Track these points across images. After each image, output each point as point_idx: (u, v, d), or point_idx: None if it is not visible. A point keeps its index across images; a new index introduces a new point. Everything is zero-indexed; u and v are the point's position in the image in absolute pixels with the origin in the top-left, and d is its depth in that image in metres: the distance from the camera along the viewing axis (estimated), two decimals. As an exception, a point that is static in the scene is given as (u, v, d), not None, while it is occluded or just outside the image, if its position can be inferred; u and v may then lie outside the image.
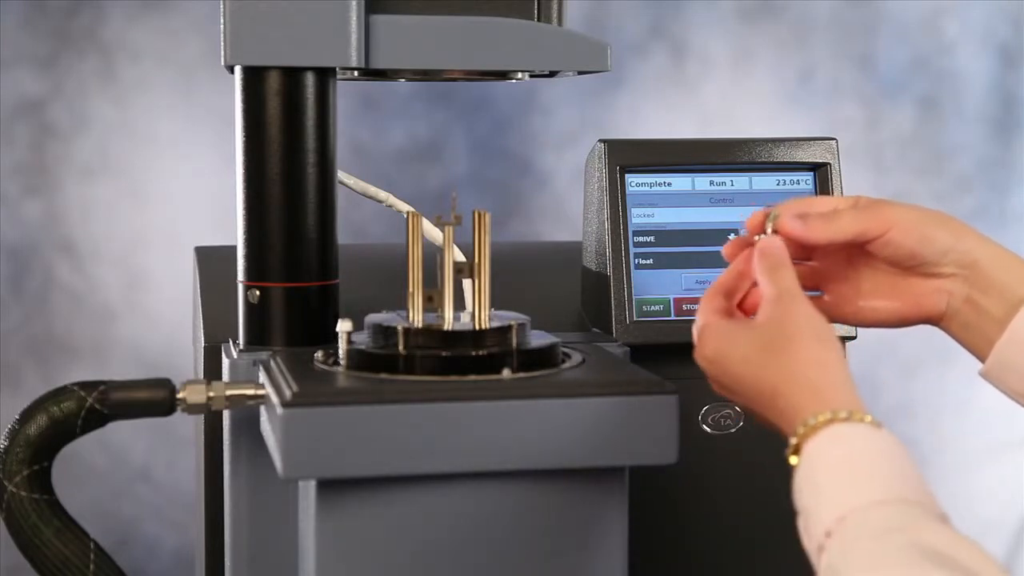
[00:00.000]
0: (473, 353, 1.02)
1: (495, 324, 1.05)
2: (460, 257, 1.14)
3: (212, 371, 1.22)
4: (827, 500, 0.81)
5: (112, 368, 2.45)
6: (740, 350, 0.93)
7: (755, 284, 0.98)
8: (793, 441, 0.86)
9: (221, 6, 1.11)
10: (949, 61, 2.72)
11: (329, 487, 0.98)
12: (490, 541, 1.01)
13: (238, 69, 1.14)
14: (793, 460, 0.86)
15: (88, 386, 1.10)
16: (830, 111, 2.69)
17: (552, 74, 1.23)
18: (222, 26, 1.12)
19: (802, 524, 0.83)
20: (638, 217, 1.25)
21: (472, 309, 1.06)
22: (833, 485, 0.82)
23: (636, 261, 1.24)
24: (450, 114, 2.58)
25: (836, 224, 0.98)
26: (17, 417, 1.10)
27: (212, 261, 1.34)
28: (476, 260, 1.06)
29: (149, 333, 2.48)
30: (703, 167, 1.27)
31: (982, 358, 1.00)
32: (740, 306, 1.00)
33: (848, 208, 0.99)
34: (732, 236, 1.26)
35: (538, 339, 1.07)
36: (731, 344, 0.94)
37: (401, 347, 1.03)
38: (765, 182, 1.28)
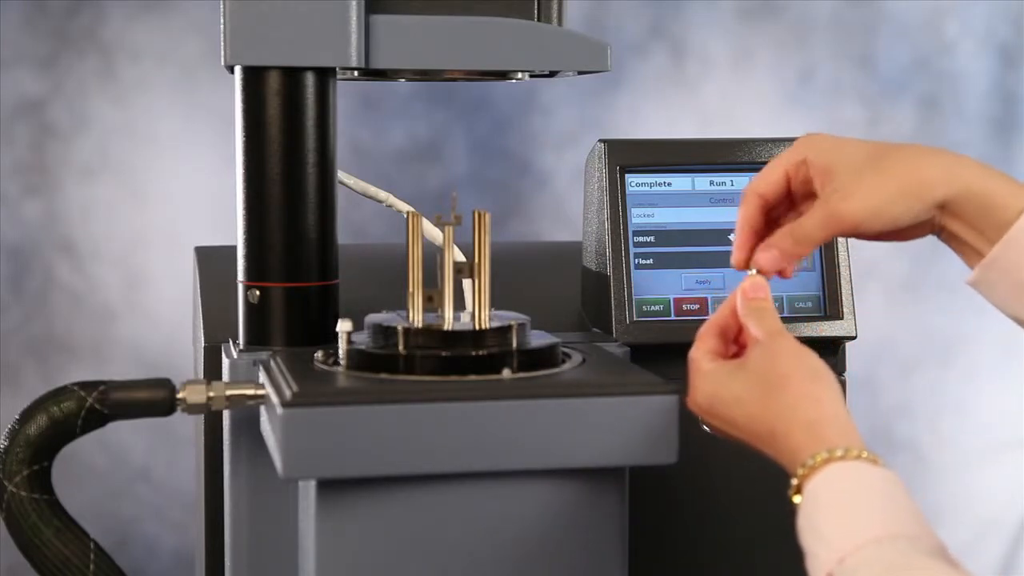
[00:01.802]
0: (473, 353, 1.02)
1: (495, 324, 1.05)
2: (460, 257, 1.14)
3: (212, 371, 1.22)
4: (827, 542, 0.82)
5: (112, 368, 2.45)
6: (733, 392, 0.93)
7: None
8: (794, 482, 0.87)
9: (221, 6, 1.11)
10: (949, 61, 2.72)
11: (329, 487, 0.98)
12: (490, 541, 1.01)
13: (238, 69, 1.14)
14: (796, 499, 0.87)
15: (88, 386, 1.10)
16: (830, 111, 2.69)
17: (552, 74, 1.24)
18: (222, 26, 1.12)
19: (808, 565, 0.84)
20: (638, 217, 1.25)
21: (472, 309, 1.06)
22: (832, 526, 0.83)
23: (636, 261, 1.24)
24: (450, 114, 2.58)
25: (804, 240, 0.98)
26: (17, 417, 1.10)
27: (212, 261, 1.34)
28: (476, 260, 1.06)
29: (149, 333, 2.48)
30: (703, 167, 1.27)
31: (969, 266, 0.98)
32: (737, 341, 1.00)
33: (808, 218, 0.98)
34: (732, 237, 1.26)
35: (538, 339, 1.07)
36: (723, 387, 0.94)
37: (401, 347, 1.03)
38: (765, 182, 1.27)
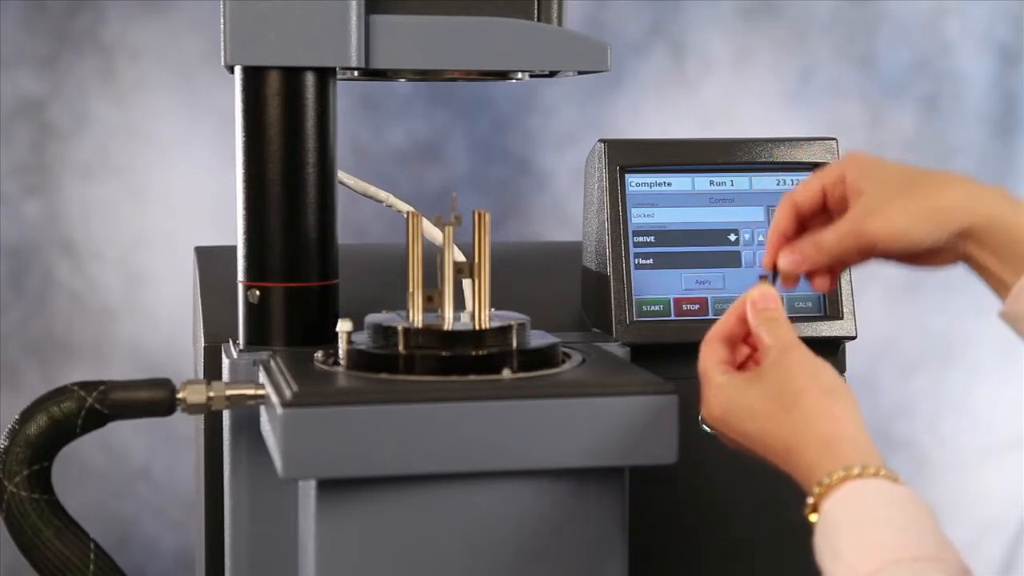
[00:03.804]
0: (473, 353, 1.02)
1: (495, 324, 1.05)
2: (460, 257, 1.14)
3: (212, 371, 1.22)
4: (846, 563, 0.81)
5: (112, 368, 2.45)
6: (747, 407, 0.92)
7: None
8: (810, 500, 0.86)
9: (221, 6, 1.11)
10: (949, 61, 2.72)
11: (329, 487, 0.98)
12: (490, 541, 1.01)
13: (238, 69, 1.14)
14: (813, 518, 0.86)
15: (88, 386, 1.10)
16: (830, 111, 2.69)
17: (552, 74, 1.24)
18: (222, 26, 1.12)
19: None
20: (638, 217, 1.25)
21: (472, 309, 1.06)
22: (851, 547, 0.81)
23: (636, 261, 1.24)
24: (450, 114, 2.58)
25: (824, 249, 0.98)
26: (17, 417, 1.10)
27: (212, 261, 1.34)
28: (476, 260, 1.06)
29: (149, 333, 2.48)
30: (703, 167, 1.27)
31: (998, 296, 0.97)
32: (746, 341, 0.99)
33: (833, 229, 0.98)
34: (732, 237, 1.26)
35: (538, 339, 1.07)
36: (737, 403, 0.93)
37: (401, 347, 1.03)
38: (765, 182, 1.28)
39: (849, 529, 0.83)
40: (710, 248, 1.26)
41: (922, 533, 0.81)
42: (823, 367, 0.92)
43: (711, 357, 0.98)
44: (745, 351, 1.00)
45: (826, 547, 0.83)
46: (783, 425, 0.90)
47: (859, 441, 0.88)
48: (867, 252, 0.98)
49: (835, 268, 1.01)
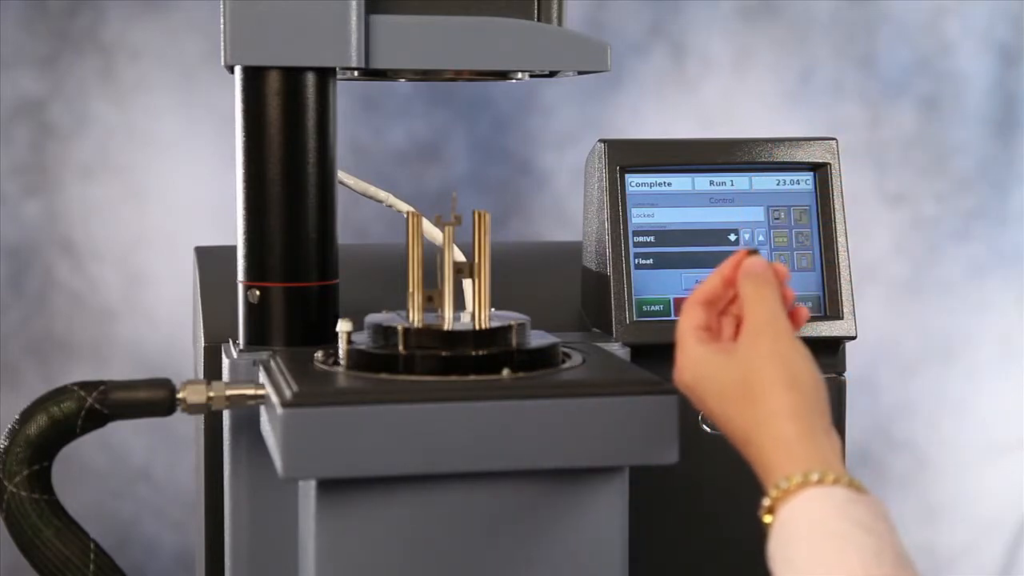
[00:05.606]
0: (473, 353, 1.02)
1: (495, 324, 1.05)
2: (460, 257, 1.14)
3: (212, 371, 1.22)
4: None
5: (112, 368, 2.45)
6: (715, 387, 0.92)
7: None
8: (766, 502, 0.85)
9: (221, 6, 1.11)
10: (949, 61, 2.72)
11: (329, 487, 0.98)
12: (490, 541, 1.01)
13: (238, 69, 1.14)
14: (767, 519, 0.84)
15: (88, 386, 1.10)
16: (830, 111, 2.69)
17: (552, 74, 1.24)
18: (222, 26, 1.12)
19: None
20: (638, 217, 1.25)
21: (472, 309, 1.06)
22: (806, 561, 0.79)
23: (636, 261, 1.24)
24: (450, 114, 2.58)
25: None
26: (17, 417, 1.10)
27: (212, 261, 1.34)
28: (476, 260, 1.06)
29: (149, 333, 2.48)
30: (703, 167, 1.27)
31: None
32: (723, 313, 0.98)
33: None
34: (732, 237, 1.26)
35: (538, 339, 1.07)
36: (707, 378, 0.92)
37: (401, 347, 1.03)
38: (765, 182, 1.28)
39: (806, 541, 0.81)
40: (710, 248, 1.26)
41: (881, 550, 0.79)
42: (795, 356, 0.90)
43: (689, 322, 0.96)
44: (724, 303, 0.98)
45: (781, 556, 0.82)
46: (745, 415, 0.89)
47: (820, 443, 0.86)
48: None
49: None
